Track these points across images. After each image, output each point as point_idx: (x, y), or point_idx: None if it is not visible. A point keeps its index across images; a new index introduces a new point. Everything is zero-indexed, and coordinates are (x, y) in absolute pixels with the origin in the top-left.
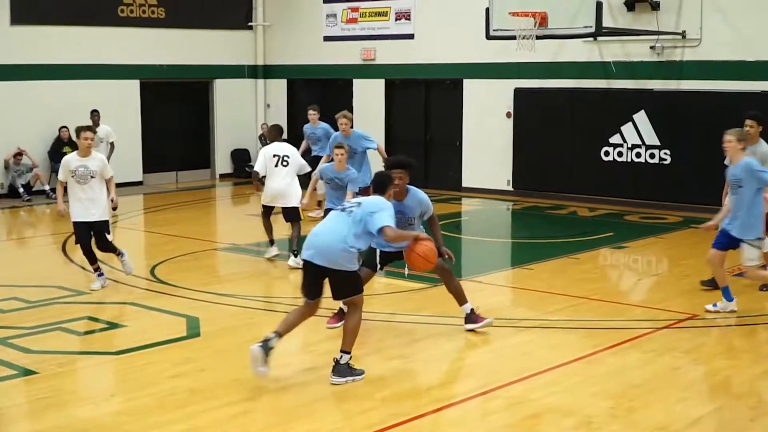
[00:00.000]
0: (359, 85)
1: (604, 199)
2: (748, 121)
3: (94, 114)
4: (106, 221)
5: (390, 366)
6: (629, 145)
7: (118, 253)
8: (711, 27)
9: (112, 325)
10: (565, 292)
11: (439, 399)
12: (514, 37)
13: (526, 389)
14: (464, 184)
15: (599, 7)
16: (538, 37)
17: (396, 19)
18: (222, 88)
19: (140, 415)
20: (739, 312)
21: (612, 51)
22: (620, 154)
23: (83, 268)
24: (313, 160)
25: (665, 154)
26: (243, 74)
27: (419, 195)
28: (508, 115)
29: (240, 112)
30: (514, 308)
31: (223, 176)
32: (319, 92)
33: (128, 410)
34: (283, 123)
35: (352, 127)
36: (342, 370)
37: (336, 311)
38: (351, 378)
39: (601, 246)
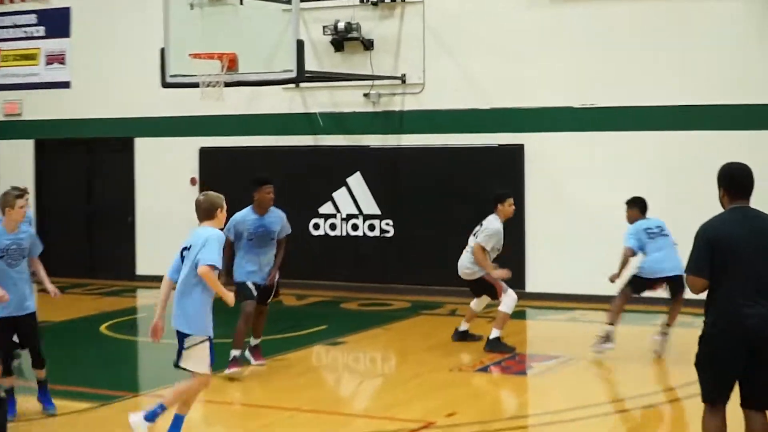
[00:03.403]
0: (1, 147)
1: (316, 284)
2: (510, 200)
3: None
4: None
5: None
6: (344, 216)
7: None
8: (435, 70)
9: None
10: (271, 403)
11: None
12: (197, 85)
13: None
14: (139, 271)
15: (300, 46)
16: (226, 84)
17: (47, 64)
18: None
19: None
20: (486, 418)
21: (318, 100)
22: (333, 226)
23: None
24: None
25: (387, 225)
26: None
27: (280, 212)
28: (193, 181)
29: None
30: (207, 428)
31: None
32: None
33: None
34: None
35: None
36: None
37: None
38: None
39: (314, 342)
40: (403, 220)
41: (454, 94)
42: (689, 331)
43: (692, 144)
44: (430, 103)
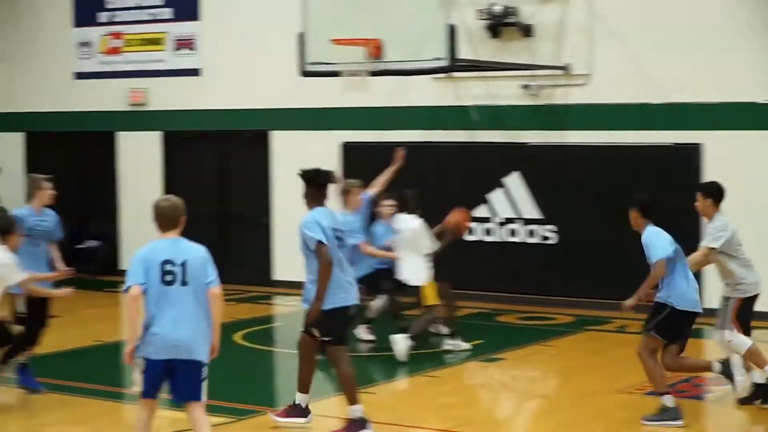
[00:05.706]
0: (126, 140)
1: (470, 294)
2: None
3: None
4: None
5: None
6: (501, 220)
7: None
8: (603, 59)
9: None
10: (420, 423)
11: None
12: (338, 74)
13: None
14: (276, 276)
15: (452, 32)
16: (371, 73)
17: (175, 49)
18: None
19: None
20: None
21: (472, 92)
22: (489, 231)
23: None
24: None
25: (549, 231)
26: None
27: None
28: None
29: None
30: None
31: None
32: (70, 149)
33: None
34: (19, 192)
35: None
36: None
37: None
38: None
39: (468, 359)
40: (568, 226)
41: (624, 87)
42: None
43: None
44: (597, 96)
